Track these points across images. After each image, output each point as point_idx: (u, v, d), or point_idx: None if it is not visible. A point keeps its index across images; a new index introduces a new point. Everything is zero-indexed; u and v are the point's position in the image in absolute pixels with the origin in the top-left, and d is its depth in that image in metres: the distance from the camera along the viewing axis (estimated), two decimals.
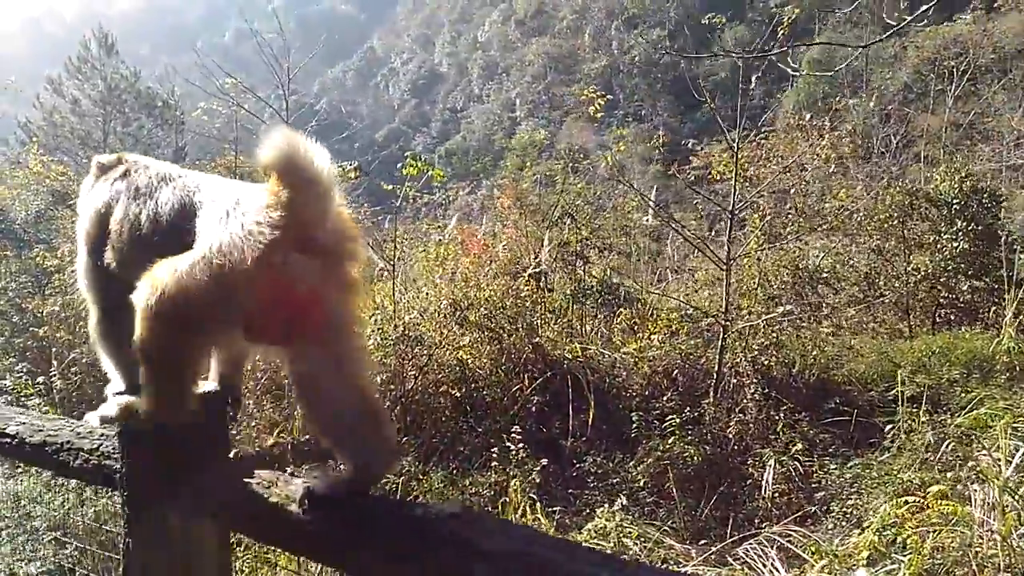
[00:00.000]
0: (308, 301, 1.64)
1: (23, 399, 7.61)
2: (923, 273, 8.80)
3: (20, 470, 6.17)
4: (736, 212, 7.31)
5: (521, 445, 6.83)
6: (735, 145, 7.27)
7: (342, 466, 1.76)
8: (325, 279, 1.66)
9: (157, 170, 1.99)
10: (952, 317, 8.96)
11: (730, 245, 7.32)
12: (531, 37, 76.17)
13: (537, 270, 8.58)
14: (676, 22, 64.55)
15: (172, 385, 1.77)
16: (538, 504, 6.10)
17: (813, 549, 5.10)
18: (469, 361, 7.33)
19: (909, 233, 9.30)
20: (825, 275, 9.18)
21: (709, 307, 7.93)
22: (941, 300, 8.73)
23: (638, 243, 11.05)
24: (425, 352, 7.27)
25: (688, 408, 7.48)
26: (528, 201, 10.63)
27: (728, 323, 7.25)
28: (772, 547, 5.15)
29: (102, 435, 2.15)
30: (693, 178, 12.53)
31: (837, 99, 20.54)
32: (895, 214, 9.08)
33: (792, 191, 8.07)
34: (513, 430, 6.08)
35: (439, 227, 10.44)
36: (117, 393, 2.03)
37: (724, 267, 7.33)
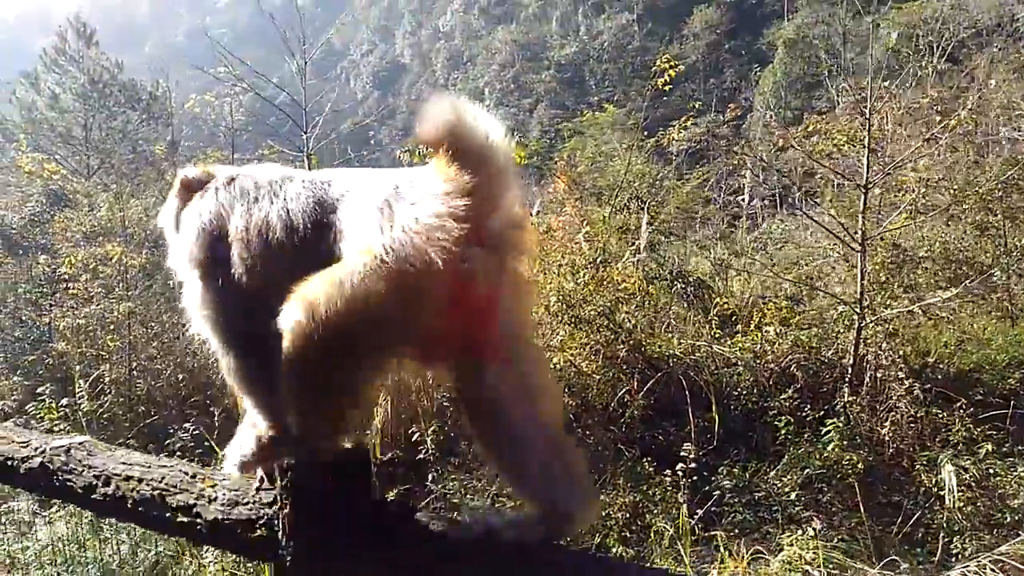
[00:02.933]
0: (488, 304, 1.42)
1: (45, 423, 6.86)
2: None
3: (56, 510, 5.34)
4: (870, 186, 6.53)
5: (647, 459, 6.13)
6: (867, 109, 6.50)
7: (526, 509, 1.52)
8: (501, 276, 1.43)
9: (271, 171, 1.75)
10: None
11: (865, 223, 6.54)
12: (496, 25, 75.32)
13: (638, 258, 7.74)
14: (644, 7, 64.15)
15: (329, 418, 1.49)
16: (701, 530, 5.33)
17: None
18: (583, 365, 6.46)
19: (1008, 208, 8.67)
20: (924, 254, 8.49)
21: (843, 294, 7.16)
22: None
23: (712, 227, 10.28)
24: None
25: (810, 407, 6.77)
26: (586, 185, 9.82)
27: (864, 311, 6.49)
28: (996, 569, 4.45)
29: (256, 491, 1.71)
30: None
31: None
32: (998, 187, 8.42)
33: (930, 162, 7.35)
34: (688, 450, 5.22)
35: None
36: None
37: (859, 248, 6.57)
